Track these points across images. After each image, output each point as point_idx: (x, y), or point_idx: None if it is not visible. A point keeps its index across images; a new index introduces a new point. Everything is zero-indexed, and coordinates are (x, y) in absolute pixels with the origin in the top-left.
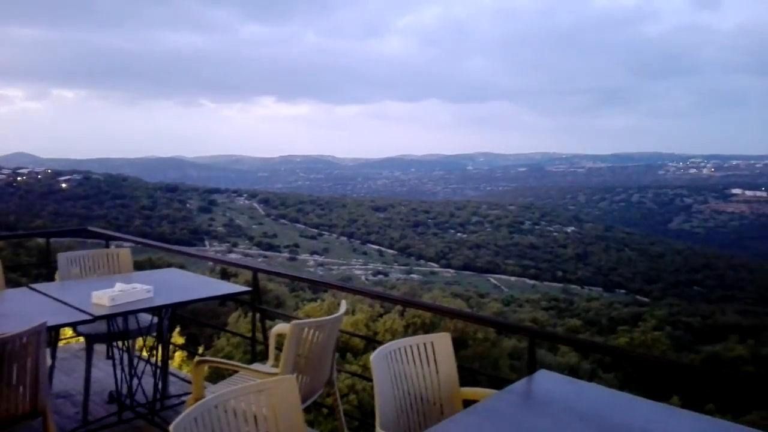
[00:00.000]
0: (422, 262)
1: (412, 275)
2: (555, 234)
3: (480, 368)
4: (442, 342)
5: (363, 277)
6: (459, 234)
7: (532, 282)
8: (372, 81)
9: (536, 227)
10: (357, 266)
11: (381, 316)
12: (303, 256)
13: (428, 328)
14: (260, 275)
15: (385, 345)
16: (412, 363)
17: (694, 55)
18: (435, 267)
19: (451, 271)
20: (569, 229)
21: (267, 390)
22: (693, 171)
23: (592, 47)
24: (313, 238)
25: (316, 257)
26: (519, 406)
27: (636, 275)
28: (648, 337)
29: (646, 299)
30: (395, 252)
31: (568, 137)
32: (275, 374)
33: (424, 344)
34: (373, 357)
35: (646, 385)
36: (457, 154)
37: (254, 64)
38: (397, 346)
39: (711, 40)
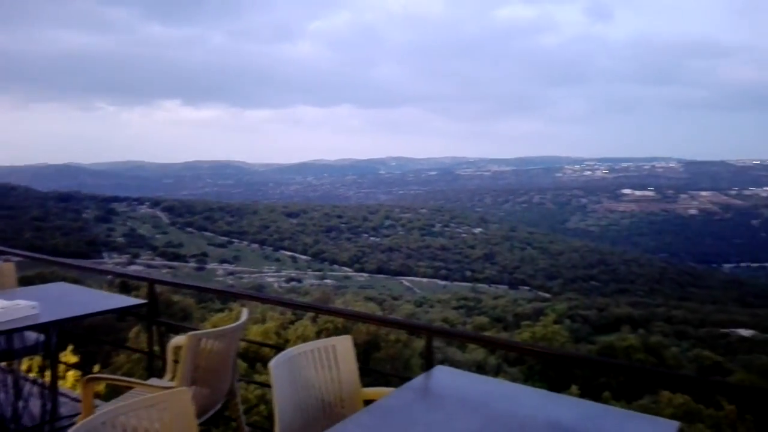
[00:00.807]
0: (336, 267)
1: (326, 280)
2: (464, 235)
3: (392, 369)
4: (343, 345)
5: (276, 285)
6: (372, 238)
7: (443, 283)
8: (283, 85)
9: (446, 229)
10: (269, 274)
11: (292, 323)
12: (212, 266)
13: (341, 333)
14: (162, 287)
15: (285, 351)
16: (313, 367)
17: (589, 64)
18: (349, 271)
19: (365, 275)
20: (477, 231)
21: (159, 404)
22: (588, 173)
23: (497, 56)
24: (222, 246)
25: (226, 266)
26: (414, 401)
27: (538, 272)
28: (549, 331)
29: (547, 295)
30: (309, 258)
31: (475, 142)
32: (170, 388)
33: (326, 348)
34: (272, 364)
35: (548, 377)
36: (370, 158)
37: (157, 66)
38: (298, 351)
39: (604, 51)
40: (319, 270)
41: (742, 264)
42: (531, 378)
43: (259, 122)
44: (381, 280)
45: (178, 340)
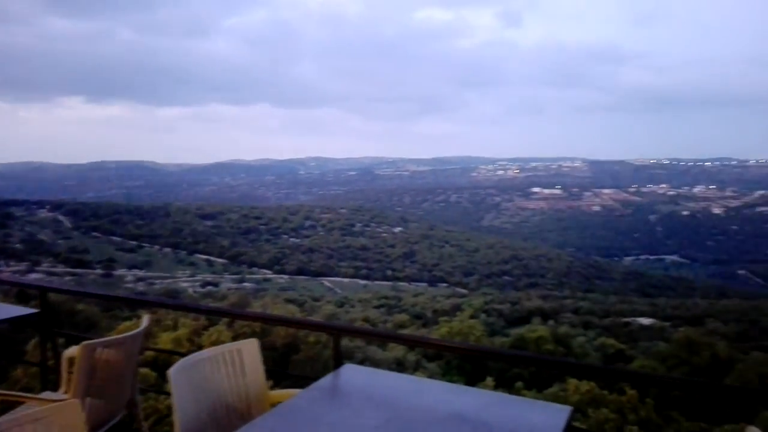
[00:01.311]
0: (255, 269)
1: (245, 284)
2: (384, 235)
3: (311, 370)
4: (249, 348)
5: (191, 290)
6: (292, 239)
7: (364, 282)
8: (197, 82)
9: (367, 229)
10: (183, 278)
11: (207, 329)
12: (120, 272)
13: (259, 337)
14: (62, 296)
15: (186, 357)
16: (217, 373)
17: (501, 67)
18: (268, 274)
19: (285, 276)
20: (397, 230)
21: (46, 418)
22: (501, 173)
23: (415, 58)
24: (132, 251)
25: (136, 272)
26: (321, 401)
27: (456, 269)
28: (465, 326)
29: (465, 291)
30: (225, 261)
31: (394, 142)
32: (61, 401)
33: (231, 352)
34: (172, 371)
35: (465, 370)
36: (289, 158)
37: (58, 61)
38: (201, 357)
39: (515, 54)
40: (237, 273)
41: (642, 257)
42: (449, 372)
43: (172, 121)
44: (302, 282)
45: (71, 350)
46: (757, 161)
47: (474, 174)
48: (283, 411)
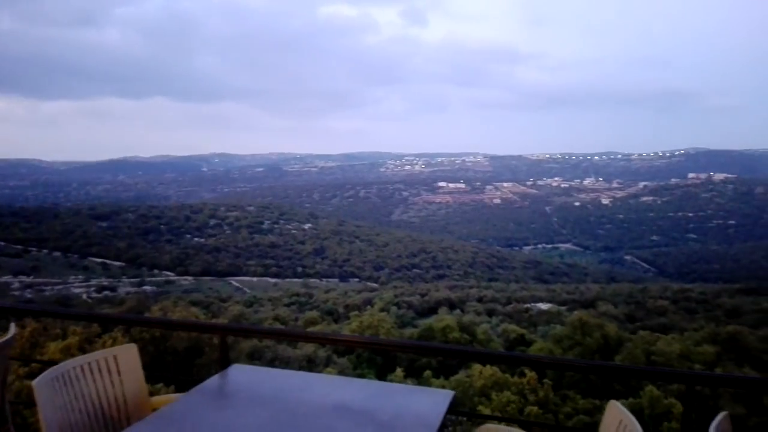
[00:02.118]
0: (156, 271)
1: (145, 287)
2: (294, 231)
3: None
4: (127, 354)
5: (85, 296)
6: (196, 239)
7: (274, 280)
8: (88, 74)
9: (276, 226)
10: (76, 284)
11: (100, 336)
12: (5, 278)
13: (158, 342)
14: None
15: (53, 367)
16: (91, 381)
17: (406, 65)
18: (171, 275)
19: (190, 278)
20: (306, 226)
21: None
22: (408, 168)
23: (320, 52)
24: (17, 256)
25: (23, 278)
26: (203, 403)
27: (366, 264)
28: (375, 319)
29: (375, 285)
30: (123, 264)
31: (302, 138)
32: None
33: (106, 359)
34: (36, 382)
35: (375, 363)
36: (191, 155)
37: None
38: (71, 365)
39: (420, 52)
40: (136, 276)
41: (539, 246)
42: (360, 366)
43: (59, 115)
44: (208, 283)
45: None
46: (640, 155)
47: (382, 169)
48: (162, 416)
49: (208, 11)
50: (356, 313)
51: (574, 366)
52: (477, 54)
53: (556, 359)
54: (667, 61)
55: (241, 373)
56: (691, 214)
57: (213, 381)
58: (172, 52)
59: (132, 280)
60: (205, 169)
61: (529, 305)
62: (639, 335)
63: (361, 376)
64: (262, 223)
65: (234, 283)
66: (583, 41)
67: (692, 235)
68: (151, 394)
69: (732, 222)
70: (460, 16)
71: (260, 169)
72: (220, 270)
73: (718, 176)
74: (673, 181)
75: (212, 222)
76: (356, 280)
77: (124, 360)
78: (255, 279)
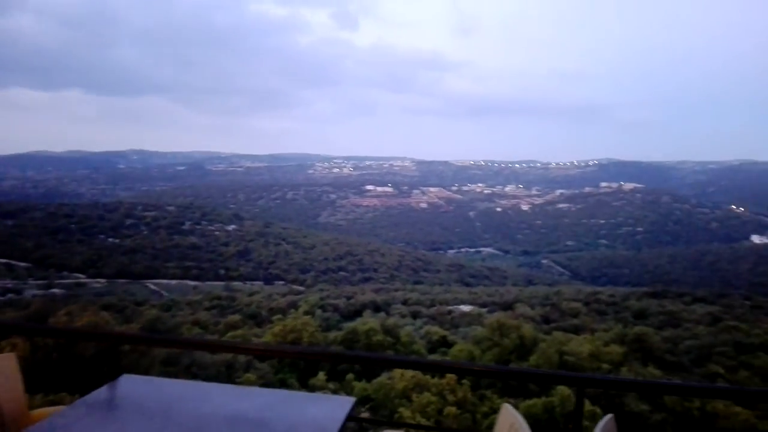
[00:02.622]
0: (66, 273)
1: (53, 290)
2: (217, 233)
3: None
4: (3, 365)
5: None
6: (110, 239)
7: (194, 283)
8: None
9: (197, 227)
10: None
11: None
12: None
13: (63, 349)
14: None
15: None
16: None
17: (337, 67)
18: (82, 278)
19: (102, 280)
20: (230, 227)
21: None
22: (336, 170)
23: (249, 50)
24: None
25: None
26: (87, 416)
27: (292, 266)
28: (299, 322)
29: (301, 288)
30: (29, 265)
31: (227, 137)
32: None
33: None
34: None
35: (298, 368)
36: (106, 151)
37: None
38: None
39: (351, 56)
40: (43, 278)
41: (463, 249)
42: (281, 371)
43: None
44: (122, 285)
45: None
46: (557, 164)
47: (310, 171)
48: (39, 430)
49: (130, 2)
50: (279, 316)
51: (474, 371)
52: (407, 60)
53: (456, 363)
54: (584, 75)
55: (130, 384)
56: (602, 221)
57: (100, 393)
58: (89, 43)
59: (39, 282)
60: (122, 166)
61: (451, 307)
62: (553, 336)
63: (283, 381)
64: (182, 223)
65: (151, 285)
66: (508, 53)
67: (603, 241)
68: (38, 406)
69: (640, 229)
70: (391, 22)
71: (182, 168)
72: (136, 272)
73: (628, 186)
74: (587, 189)
75: (128, 222)
76: (281, 282)
77: (2, 371)
78: (174, 282)
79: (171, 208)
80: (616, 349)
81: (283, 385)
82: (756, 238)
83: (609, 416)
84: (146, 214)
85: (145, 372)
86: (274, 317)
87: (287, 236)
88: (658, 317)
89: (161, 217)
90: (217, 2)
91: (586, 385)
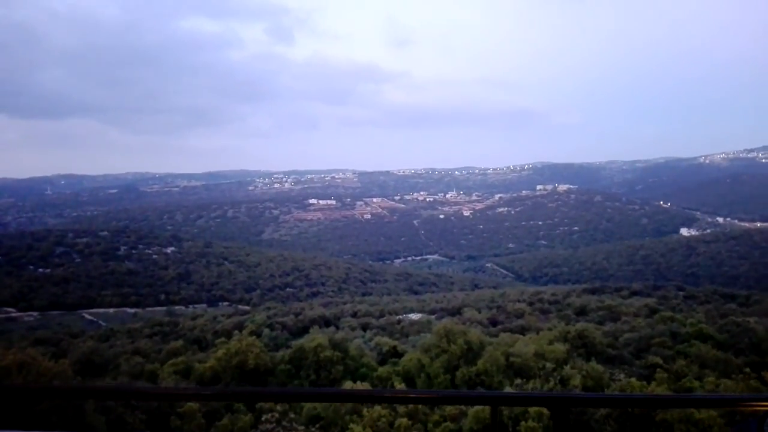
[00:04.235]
0: None
1: None
2: (155, 256)
3: None
4: None
5: None
6: (41, 269)
7: (133, 310)
8: None
9: (134, 251)
10: None
11: None
12: None
13: None
14: None
15: None
16: None
17: (273, 81)
18: (12, 312)
19: (35, 313)
20: (169, 250)
21: None
22: (277, 186)
23: (181, 67)
24: None
25: None
26: None
27: (237, 286)
28: (243, 344)
29: (247, 307)
30: None
31: (161, 157)
32: None
33: None
34: None
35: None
36: (32, 177)
37: None
38: None
39: (287, 70)
40: None
41: (409, 258)
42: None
43: None
44: (56, 317)
45: None
46: (495, 169)
47: (250, 188)
48: None
49: (53, 22)
50: (222, 339)
51: (385, 398)
52: (344, 72)
53: (367, 392)
54: (516, 82)
55: None
56: (540, 222)
57: None
58: (10, 66)
59: None
60: (49, 192)
61: (401, 316)
62: (500, 338)
63: (228, 406)
64: (117, 248)
65: (87, 316)
66: (443, 63)
67: (543, 242)
68: None
69: (576, 228)
70: (326, 35)
71: (114, 191)
72: (70, 302)
73: (562, 187)
74: (524, 192)
75: (59, 250)
76: (226, 303)
77: None
78: (111, 310)
79: (104, 233)
80: (559, 347)
81: (228, 410)
82: (685, 231)
83: None
84: (78, 241)
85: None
86: (218, 341)
87: (230, 255)
88: (598, 312)
89: (94, 243)
90: (146, 19)
91: (500, 403)
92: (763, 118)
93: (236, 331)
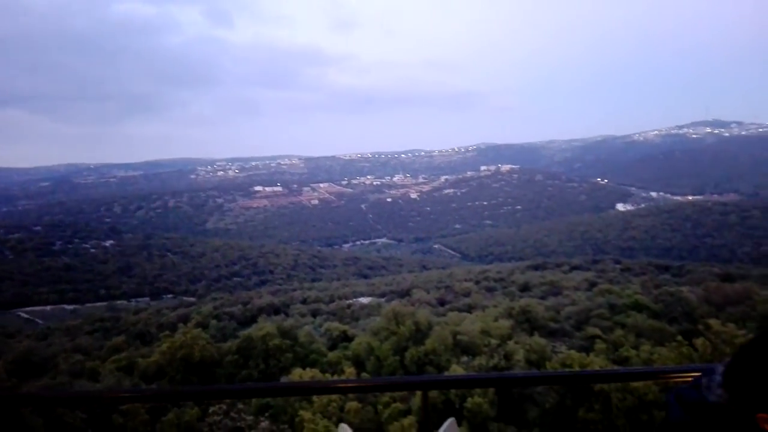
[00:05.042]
0: None
1: None
2: (93, 250)
3: None
4: None
5: None
6: None
7: (72, 307)
8: None
9: (70, 246)
10: None
11: None
12: None
13: None
14: None
15: None
16: None
17: (214, 66)
18: None
19: None
20: (108, 243)
21: None
22: (221, 173)
23: (115, 53)
24: None
25: None
26: None
27: (181, 278)
28: (188, 337)
29: (192, 299)
30: None
31: (96, 147)
32: None
33: None
34: None
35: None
36: None
37: None
38: None
39: (228, 54)
40: None
41: (358, 242)
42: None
43: None
44: None
45: None
46: (439, 151)
47: (193, 176)
48: None
49: None
50: (167, 332)
51: (328, 388)
52: (287, 56)
53: (307, 384)
54: (459, 65)
55: None
56: (485, 203)
57: None
58: None
59: None
60: None
61: (351, 301)
62: (448, 317)
63: None
64: (52, 243)
65: (23, 314)
66: (388, 45)
67: (488, 222)
68: None
69: (519, 207)
70: (267, 17)
71: (46, 184)
72: (4, 301)
73: (505, 167)
74: (469, 173)
75: None
76: (170, 296)
77: None
78: (49, 308)
79: (38, 228)
80: (504, 324)
81: (174, 404)
82: (621, 206)
83: (450, 420)
84: (10, 237)
85: None
86: (163, 334)
87: (172, 246)
88: (541, 288)
89: (27, 239)
90: (76, 2)
91: (430, 387)
92: (693, 95)
93: (181, 324)
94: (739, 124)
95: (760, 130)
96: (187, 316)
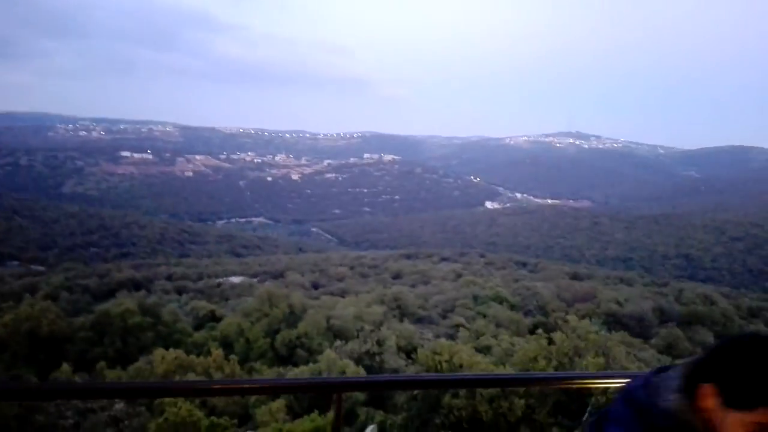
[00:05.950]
0: None
1: None
2: None
3: None
4: None
5: None
6: None
7: None
8: None
9: None
10: None
11: None
12: None
13: None
14: None
15: None
16: None
17: (85, 16)
18: None
19: None
20: None
21: None
22: (83, 133)
23: None
24: None
25: None
26: None
27: (29, 243)
28: (36, 310)
29: (41, 268)
30: None
31: None
32: None
33: None
34: None
35: (37, 359)
36: None
37: None
38: None
39: (102, 5)
40: None
41: (233, 220)
42: (14, 366)
43: None
44: None
45: None
46: (325, 135)
47: (51, 134)
48: None
49: None
50: (10, 303)
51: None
52: (171, 16)
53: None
54: (351, 49)
55: None
56: (366, 190)
57: None
58: None
59: None
60: None
61: (221, 280)
62: (321, 301)
63: (17, 377)
64: None
65: None
66: (279, 20)
67: (367, 209)
68: None
69: (397, 197)
70: None
71: None
72: None
73: (388, 157)
74: (352, 160)
75: None
76: (16, 263)
77: None
78: None
79: None
80: (377, 310)
81: (18, 380)
82: (489, 204)
83: (371, 426)
84: None
85: None
86: (5, 304)
87: (21, 208)
88: (412, 276)
89: None
90: None
91: (343, 389)
92: (561, 107)
93: (27, 294)
94: (598, 137)
95: (615, 144)
96: (34, 285)
